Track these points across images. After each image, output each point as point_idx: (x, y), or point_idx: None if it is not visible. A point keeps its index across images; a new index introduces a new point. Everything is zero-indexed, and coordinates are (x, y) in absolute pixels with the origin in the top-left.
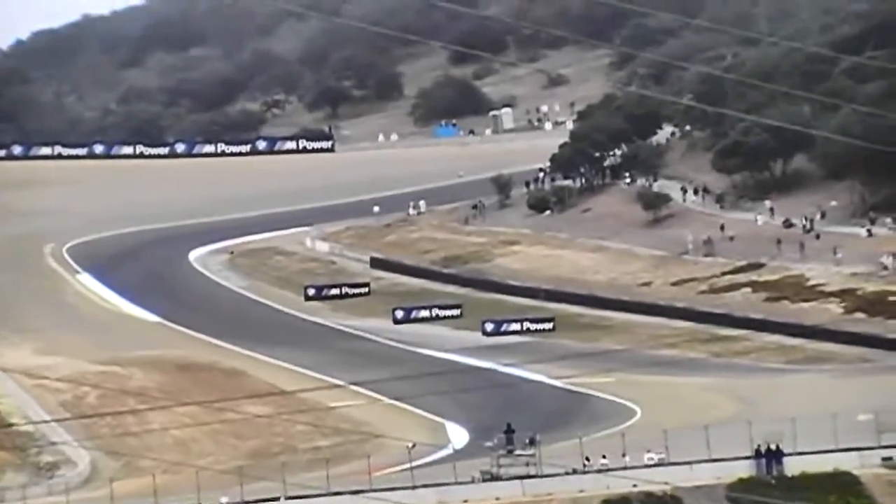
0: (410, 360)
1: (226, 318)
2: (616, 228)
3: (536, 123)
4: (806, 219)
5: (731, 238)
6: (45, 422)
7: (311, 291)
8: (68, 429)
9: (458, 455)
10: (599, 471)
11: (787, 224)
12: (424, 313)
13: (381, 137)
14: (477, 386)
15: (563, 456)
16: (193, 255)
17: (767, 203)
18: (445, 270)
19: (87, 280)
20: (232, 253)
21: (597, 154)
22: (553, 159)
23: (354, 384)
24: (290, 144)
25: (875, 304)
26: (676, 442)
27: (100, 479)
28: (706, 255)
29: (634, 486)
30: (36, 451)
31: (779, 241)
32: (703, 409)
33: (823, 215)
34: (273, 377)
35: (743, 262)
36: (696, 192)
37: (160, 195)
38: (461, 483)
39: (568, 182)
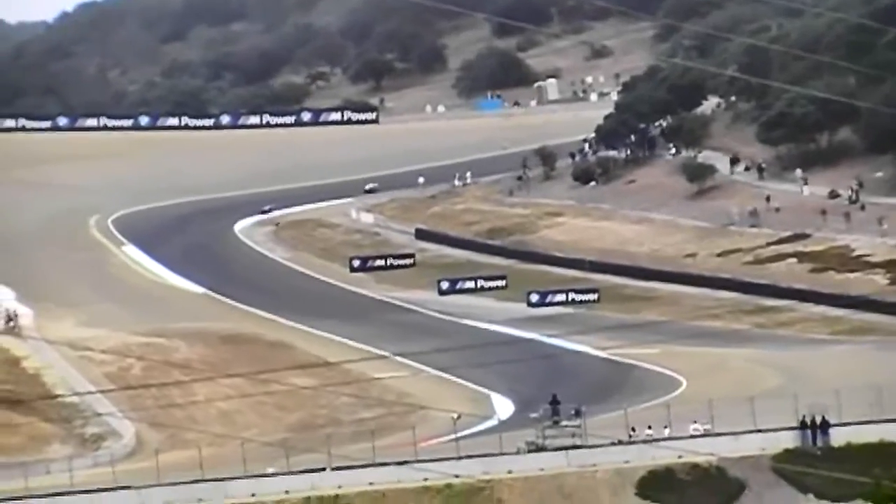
0: (455, 332)
1: (270, 290)
2: (660, 200)
3: (581, 94)
4: (852, 190)
5: (777, 209)
6: (90, 393)
7: (356, 263)
8: (113, 401)
9: (504, 426)
10: (645, 441)
11: (833, 195)
12: (469, 285)
13: (427, 108)
14: (522, 357)
15: (609, 427)
16: (238, 227)
17: (798, 172)
18: (490, 242)
19: (132, 252)
20: (277, 224)
21: (641, 125)
22: (598, 130)
23: (399, 355)
24: (335, 116)
25: None
26: (721, 413)
27: (145, 451)
28: (751, 227)
29: (679, 457)
30: (81, 422)
31: (824, 212)
32: (748, 381)
33: (861, 185)
34: (317, 349)
35: (788, 233)
36: (734, 162)
37: (205, 167)
38: (506, 454)
39: (612, 153)
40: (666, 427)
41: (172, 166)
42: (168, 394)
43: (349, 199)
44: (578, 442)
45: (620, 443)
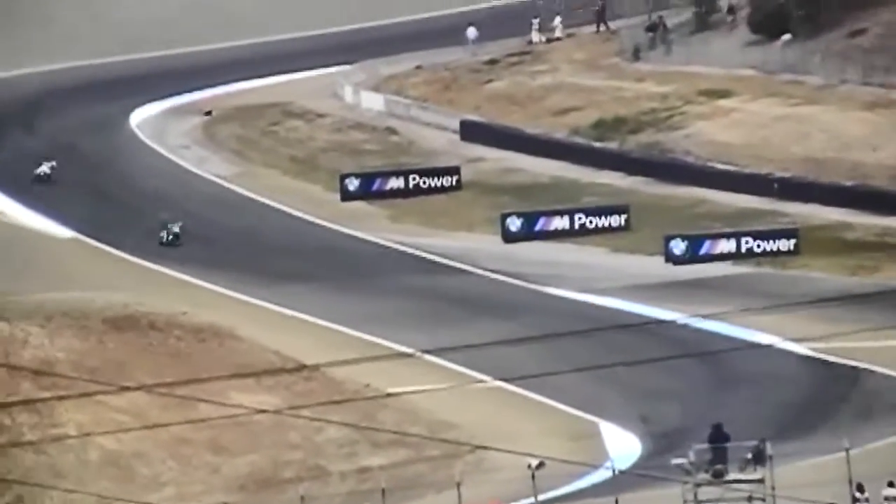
0: (534, 309)
1: (199, 234)
2: None
3: None
4: None
5: None
6: None
7: (354, 184)
8: None
9: (623, 481)
10: None
11: None
12: (559, 223)
13: None
14: (656, 355)
15: (815, 483)
16: (138, 119)
17: None
18: (599, 145)
19: None
20: (209, 113)
21: None
22: None
23: (431, 353)
24: None
25: None
26: None
27: None
28: None
29: None
30: None
31: None
32: None
33: None
34: (283, 341)
35: None
36: None
37: (86, 12)
38: None
39: None
40: None
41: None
42: (10, 422)
43: (339, 68)
44: None
45: None
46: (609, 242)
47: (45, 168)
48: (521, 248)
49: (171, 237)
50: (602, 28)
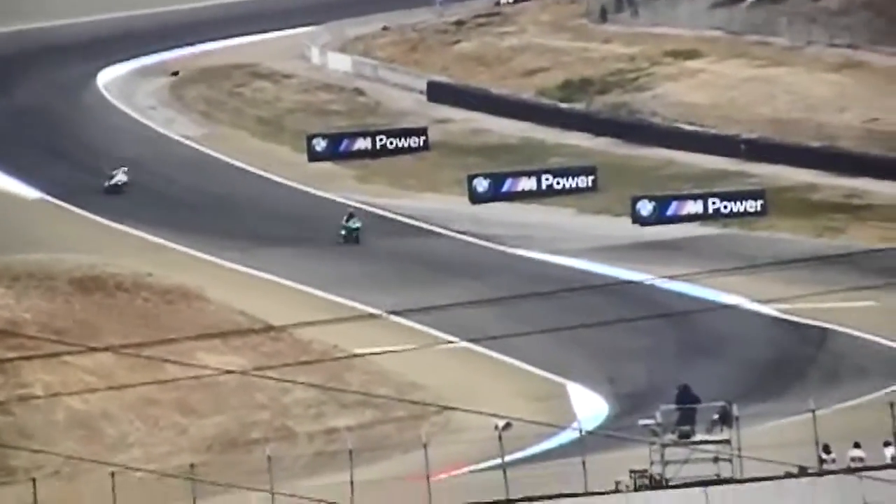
0: (502, 270)
1: (164, 196)
2: (884, 29)
3: None
4: None
5: None
6: None
7: (321, 145)
8: None
9: (591, 442)
10: (851, 471)
11: None
12: (527, 184)
13: None
14: (624, 315)
15: (782, 444)
16: (105, 79)
17: None
18: (566, 106)
19: None
20: (176, 74)
21: None
22: None
23: (400, 314)
24: None
25: None
26: None
27: None
28: None
29: None
30: None
31: None
32: None
33: None
34: (251, 301)
35: None
36: None
37: None
38: (595, 494)
39: None
40: (889, 445)
41: None
42: None
43: (306, 29)
44: (727, 471)
45: (804, 473)
46: (576, 203)
47: (120, 176)
48: (489, 209)
49: (353, 232)
50: None
